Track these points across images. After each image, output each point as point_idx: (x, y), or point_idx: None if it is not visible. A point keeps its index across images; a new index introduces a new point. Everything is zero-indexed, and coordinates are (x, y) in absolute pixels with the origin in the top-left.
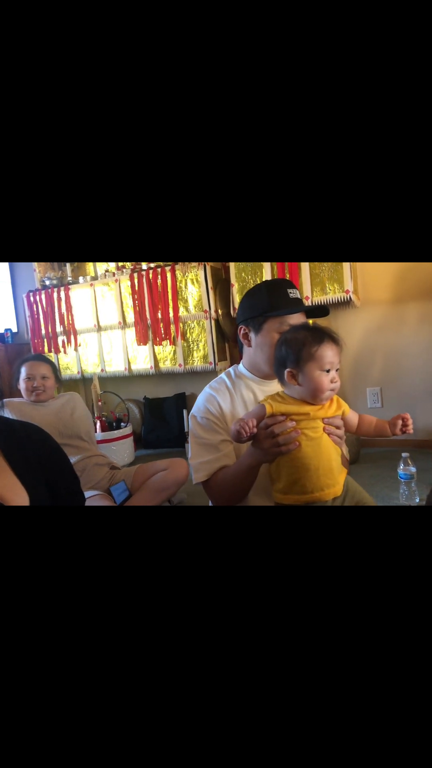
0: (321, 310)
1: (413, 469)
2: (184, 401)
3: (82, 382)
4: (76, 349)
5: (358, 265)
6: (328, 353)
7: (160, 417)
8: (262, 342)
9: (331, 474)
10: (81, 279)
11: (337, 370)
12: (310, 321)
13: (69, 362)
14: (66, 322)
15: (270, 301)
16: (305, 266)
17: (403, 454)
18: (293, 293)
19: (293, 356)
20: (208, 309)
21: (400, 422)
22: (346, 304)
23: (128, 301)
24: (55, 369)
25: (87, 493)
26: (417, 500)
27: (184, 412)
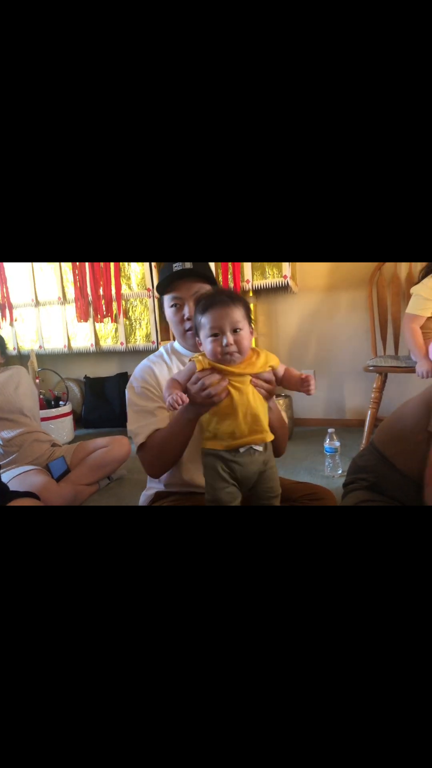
0: (198, 274)
1: (338, 444)
2: (126, 381)
3: (19, 359)
4: (11, 324)
5: None
6: (212, 318)
7: (101, 396)
8: (167, 318)
9: (258, 420)
10: None
11: (236, 331)
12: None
13: (5, 337)
14: (1, 295)
15: (159, 278)
16: None
17: (329, 430)
18: (178, 265)
19: (194, 324)
20: (151, 287)
21: (305, 382)
22: (284, 289)
23: (69, 276)
24: None
25: (23, 468)
26: (339, 471)
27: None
